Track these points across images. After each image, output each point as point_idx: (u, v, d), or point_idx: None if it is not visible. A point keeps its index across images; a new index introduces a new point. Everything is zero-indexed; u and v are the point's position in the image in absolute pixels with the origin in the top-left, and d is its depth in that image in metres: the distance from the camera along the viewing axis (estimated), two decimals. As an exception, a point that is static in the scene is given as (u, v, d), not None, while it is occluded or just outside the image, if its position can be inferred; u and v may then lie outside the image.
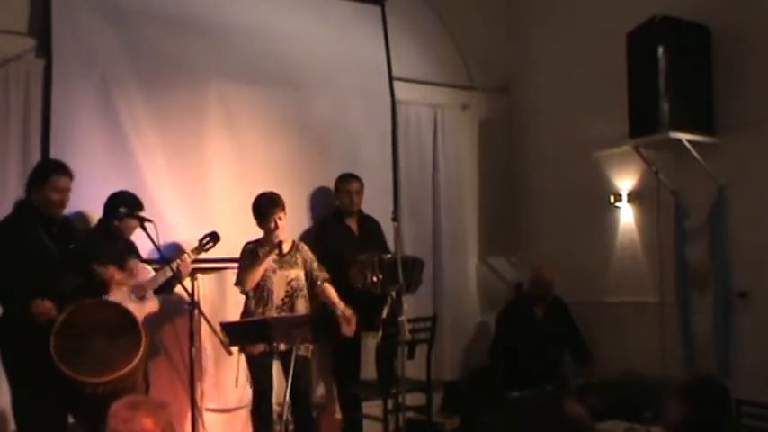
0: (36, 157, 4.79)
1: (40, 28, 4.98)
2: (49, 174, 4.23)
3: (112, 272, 4.29)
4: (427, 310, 5.68)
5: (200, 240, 4.79)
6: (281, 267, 4.72)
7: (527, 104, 6.70)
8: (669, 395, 3.05)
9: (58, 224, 4.30)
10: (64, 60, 4.94)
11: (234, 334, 4.42)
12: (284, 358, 4.37)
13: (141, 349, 4.16)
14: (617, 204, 5.81)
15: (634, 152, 5.34)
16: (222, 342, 4.51)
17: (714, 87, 5.09)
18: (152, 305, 4.48)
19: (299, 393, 4.53)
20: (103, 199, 4.60)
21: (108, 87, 5.08)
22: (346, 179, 5.56)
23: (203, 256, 4.83)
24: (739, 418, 3.93)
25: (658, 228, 5.49)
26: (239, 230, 4.93)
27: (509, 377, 5.49)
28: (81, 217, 4.78)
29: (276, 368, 4.44)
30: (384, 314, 4.57)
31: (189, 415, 4.77)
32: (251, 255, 4.73)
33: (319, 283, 4.84)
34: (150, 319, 4.51)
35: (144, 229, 4.46)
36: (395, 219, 4.76)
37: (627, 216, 5.81)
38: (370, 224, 5.61)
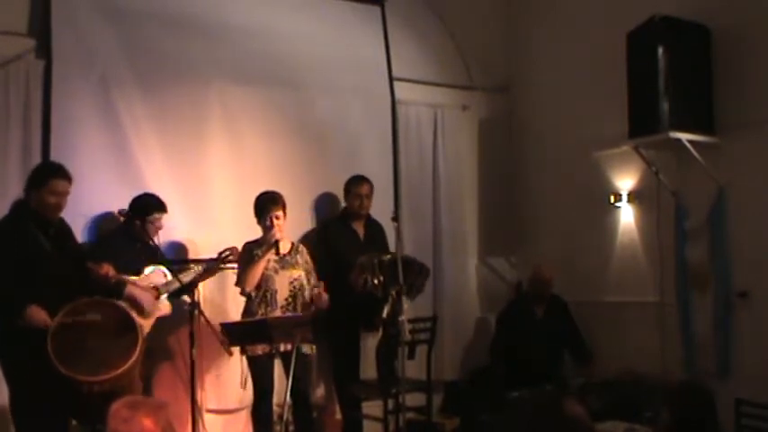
0: (36, 157, 4.79)
1: (40, 28, 4.98)
2: (49, 177, 4.21)
3: (107, 269, 4.27)
4: (427, 310, 5.67)
5: (220, 254, 4.83)
6: (282, 268, 4.73)
7: (527, 104, 6.70)
8: (663, 398, 3.07)
9: (55, 226, 4.30)
10: (64, 61, 4.94)
11: (234, 334, 4.42)
12: (285, 358, 4.37)
13: (138, 348, 4.16)
14: (617, 204, 5.81)
15: (634, 152, 5.34)
16: (222, 343, 4.51)
17: (714, 87, 5.08)
18: (164, 308, 4.55)
19: (300, 394, 4.53)
20: (103, 199, 4.60)
21: (108, 88, 5.08)
22: (357, 181, 5.49)
23: (203, 256, 4.82)
24: (739, 418, 3.93)
25: (658, 228, 5.49)
26: (239, 230, 4.94)
27: (509, 377, 5.49)
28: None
29: (277, 368, 4.44)
30: (384, 314, 4.57)
31: (189, 416, 4.77)
32: (249, 254, 4.74)
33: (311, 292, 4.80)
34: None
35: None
36: (395, 219, 4.75)
37: (627, 216, 5.81)
38: (375, 228, 5.56)
